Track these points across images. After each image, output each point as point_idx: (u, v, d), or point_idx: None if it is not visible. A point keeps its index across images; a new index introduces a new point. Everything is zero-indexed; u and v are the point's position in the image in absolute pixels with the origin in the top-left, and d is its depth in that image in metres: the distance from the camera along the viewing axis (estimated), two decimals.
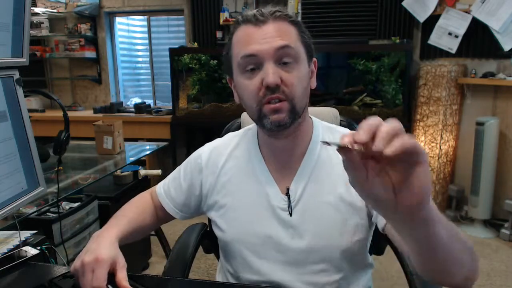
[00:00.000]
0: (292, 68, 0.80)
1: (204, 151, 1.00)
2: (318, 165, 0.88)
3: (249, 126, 1.01)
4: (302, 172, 0.88)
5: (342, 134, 0.44)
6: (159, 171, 2.53)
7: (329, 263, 0.86)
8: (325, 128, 0.94)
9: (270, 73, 0.77)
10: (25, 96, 0.96)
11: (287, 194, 0.87)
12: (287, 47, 0.79)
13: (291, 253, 0.86)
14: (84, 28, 4.12)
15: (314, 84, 0.89)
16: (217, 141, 1.02)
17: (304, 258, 0.86)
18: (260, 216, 0.88)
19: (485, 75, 3.21)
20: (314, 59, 0.89)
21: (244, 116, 1.22)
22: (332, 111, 1.19)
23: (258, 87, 0.80)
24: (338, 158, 0.85)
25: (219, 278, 1.03)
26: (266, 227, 0.87)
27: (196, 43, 3.77)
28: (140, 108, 3.89)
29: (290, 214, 0.86)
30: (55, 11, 4.11)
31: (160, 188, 1.04)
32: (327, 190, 0.86)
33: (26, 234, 1.01)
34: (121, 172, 2.32)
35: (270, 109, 0.80)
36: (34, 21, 4.07)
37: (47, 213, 1.73)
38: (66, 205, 1.85)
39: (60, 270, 0.87)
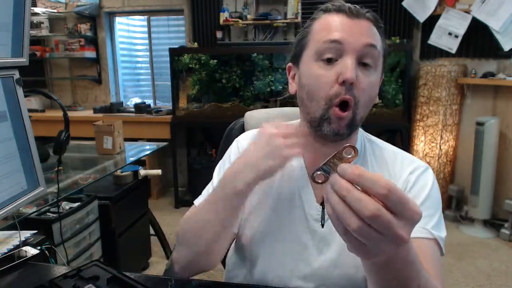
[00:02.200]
0: (369, 72, 0.75)
1: (242, 145, 0.92)
2: None
3: (289, 123, 0.91)
4: None
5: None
6: (159, 171, 2.53)
7: (353, 282, 0.80)
8: (366, 138, 0.89)
9: (350, 68, 0.71)
10: (25, 96, 0.96)
11: (322, 203, 0.82)
12: (374, 47, 0.74)
13: (315, 265, 0.81)
14: (84, 28, 4.11)
15: (377, 99, 0.82)
16: (252, 134, 0.94)
17: (329, 272, 0.81)
18: (292, 221, 0.82)
19: (485, 75, 3.22)
20: (383, 75, 0.84)
21: (248, 116, 1.20)
22: None
23: (331, 83, 0.73)
24: (375, 170, 0.83)
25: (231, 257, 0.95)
26: (295, 232, 0.82)
27: (196, 43, 3.77)
28: (140, 108, 3.90)
29: (322, 225, 0.79)
30: (55, 11, 4.11)
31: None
32: None
33: (26, 234, 1.01)
34: (121, 172, 2.32)
35: (337, 114, 0.73)
36: (34, 21, 4.07)
37: (47, 213, 1.73)
38: (66, 205, 1.85)
39: (60, 270, 0.87)
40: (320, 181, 0.46)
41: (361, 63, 0.74)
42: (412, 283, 0.57)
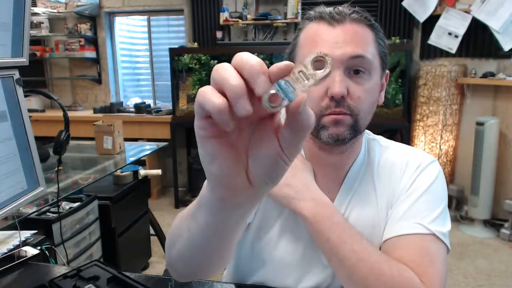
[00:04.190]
0: (363, 80, 0.72)
1: None
2: (362, 180, 0.82)
3: None
4: (345, 187, 0.81)
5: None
6: (159, 171, 2.53)
7: None
8: (370, 140, 0.87)
9: (337, 81, 0.69)
10: (25, 96, 0.96)
11: None
12: (361, 57, 0.70)
13: (318, 277, 0.81)
14: (84, 28, 4.12)
15: (382, 99, 0.79)
16: None
17: (333, 285, 0.81)
18: (298, 234, 0.80)
19: (485, 75, 3.21)
20: (387, 71, 0.80)
21: None
22: None
23: (321, 96, 0.71)
24: (382, 174, 0.82)
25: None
26: (301, 244, 0.81)
27: (196, 43, 3.77)
28: (140, 108, 3.90)
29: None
30: (55, 11, 4.11)
31: None
32: (369, 207, 0.80)
33: (26, 234, 1.01)
34: (121, 172, 2.32)
35: (331, 119, 0.71)
36: (34, 21, 4.07)
37: (47, 213, 1.73)
38: (66, 205, 1.84)
39: (60, 270, 0.87)
40: (274, 104, 0.31)
41: (354, 70, 0.71)
42: (344, 245, 0.69)
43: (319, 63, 0.31)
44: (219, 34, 3.78)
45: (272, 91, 0.30)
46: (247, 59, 0.33)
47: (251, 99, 0.31)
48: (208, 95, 0.32)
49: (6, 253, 0.92)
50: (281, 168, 0.36)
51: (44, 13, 4.09)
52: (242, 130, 0.36)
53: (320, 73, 0.31)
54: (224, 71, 0.32)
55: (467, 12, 3.17)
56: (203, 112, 0.34)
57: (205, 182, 0.44)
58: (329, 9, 0.73)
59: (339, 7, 0.73)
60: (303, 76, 0.31)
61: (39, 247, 0.98)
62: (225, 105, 0.31)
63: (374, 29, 0.75)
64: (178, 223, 0.59)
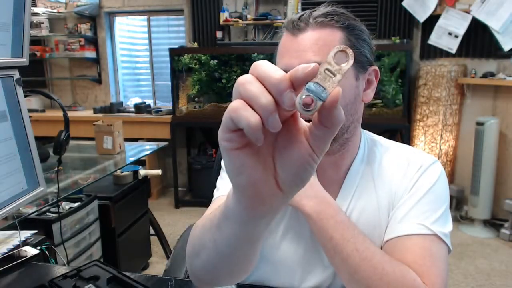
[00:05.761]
0: None
1: None
2: (362, 181, 0.81)
3: None
4: (346, 188, 0.81)
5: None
6: (159, 171, 2.53)
7: None
8: (370, 140, 0.86)
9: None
10: (25, 96, 0.96)
11: None
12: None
13: (319, 277, 0.81)
14: (84, 28, 4.12)
15: (368, 97, 0.77)
16: None
17: (334, 283, 0.81)
18: (300, 233, 0.81)
19: (485, 75, 3.21)
20: (374, 68, 0.78)
21: None
22: None
23: None
24: (383, 174, 0.81)
25: None
26: (302, 243, 0.81)
27: (196, 43, 3.77)
28: (140, 108, 3.90)
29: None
30: (55, 11, 4.11)
31: (220, 193, 0.85)
32: (370, 208, 0.80)
33: (26, 234, 1.01)
34: (121, 172, 2.32)
35: None
36: (34, 21, 4.07)
37: (47, 213, 1.73)
38: (66, 205, 1.85)
39: (60, 270, 0.87)
40: (309, 108, 0.31)
41: None
42: (348, 244, 0.69)
43: (341, 56, 0.32)
44: (219, 34, 3.78)
45: (304, 96, 0.31)
46: (270, 72, 0.33)
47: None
48: (242, 111, 0.32)
49: (6, 253, 0.92)
50: (311, 167, 0.36)
51: (44, 13, 4.09)
52: (265, 136, 0.36)
53: (345, 65, 0.31)
54: (250, 86, 0.33)
55: (467, 12, 3.17)
56: (234, 126, 0.34)
57: (228, 194, 0.44)
58: (296, 16, 0.73)
59: (307, 12, 0.72)
60: (330, 73, 0.31)
61: (39, 247, 0.98)
62: (259, 122, 0.32)
63: (346, 29, 0.73)
64: (200, 234, 0.59)
